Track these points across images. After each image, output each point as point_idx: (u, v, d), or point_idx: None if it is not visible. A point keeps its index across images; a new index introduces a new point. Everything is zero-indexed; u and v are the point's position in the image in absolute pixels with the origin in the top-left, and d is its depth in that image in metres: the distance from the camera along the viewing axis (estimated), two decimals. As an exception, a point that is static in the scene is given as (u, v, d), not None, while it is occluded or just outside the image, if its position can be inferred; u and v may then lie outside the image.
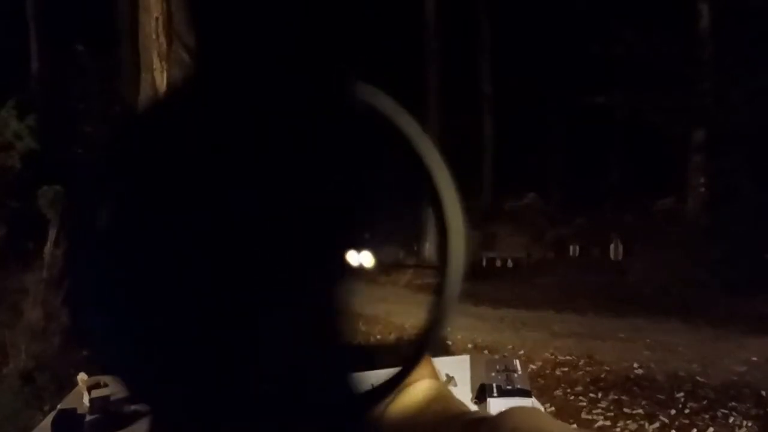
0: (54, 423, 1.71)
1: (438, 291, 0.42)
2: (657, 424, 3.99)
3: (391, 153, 0.44)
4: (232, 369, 0.36)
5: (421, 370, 0.54)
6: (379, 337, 6.10)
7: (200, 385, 0.35)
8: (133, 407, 1.92)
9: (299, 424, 0.38)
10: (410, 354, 0.42)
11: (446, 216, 0.42)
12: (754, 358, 5.17)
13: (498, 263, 10.46)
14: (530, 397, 1.88)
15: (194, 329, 0.35)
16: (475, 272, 8.91)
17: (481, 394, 1.90)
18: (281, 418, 0.37)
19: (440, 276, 0.43)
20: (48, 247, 5.00)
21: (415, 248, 9.69)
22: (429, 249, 10.43)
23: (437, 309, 0.42)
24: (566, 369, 5.10)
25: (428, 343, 0.42)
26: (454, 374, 1.97)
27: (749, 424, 3.95)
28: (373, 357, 0.45)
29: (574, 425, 2.28)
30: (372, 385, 0.41)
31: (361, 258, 0.42)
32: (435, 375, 0.60)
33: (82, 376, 1.94)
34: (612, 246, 9.90)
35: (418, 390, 0.55)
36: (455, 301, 0.42)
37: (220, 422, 0.35)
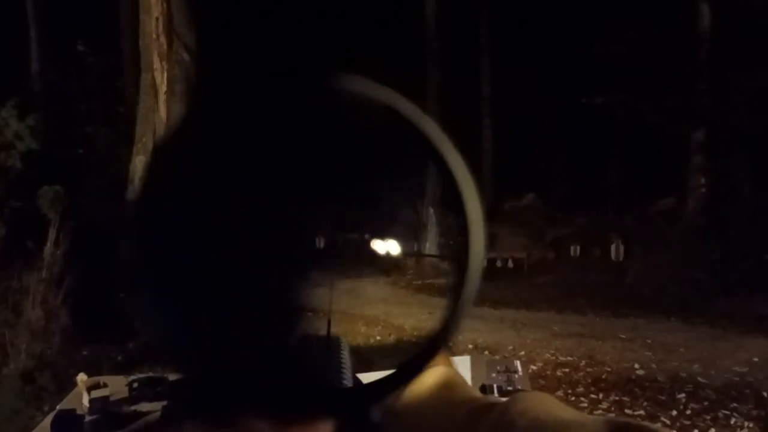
0: (53, 423, 1.70)
1: (454, 290, 0.43)
2: (658, 425, 3.99)
3: (404, 154, 0.44)
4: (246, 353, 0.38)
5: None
6: (378, 338, 6.10)
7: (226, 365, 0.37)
8: (133, 407, 1.92)
9: (307, 411, 0.39)
10: (423, 351, 0.43)
11: (467, 215, 0.42)
12: (755, 359, 5.17)
13: (498, 263, 10.46)
14: (537, 391, 1.89)
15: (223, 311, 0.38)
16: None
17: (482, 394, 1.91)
18: (288, 404, 0.38)
19: (458, 275, 0.43)
20: (48, 247, 5.00)
21: (415, 246, 9.69)
22: (429, 247, 10.43)
23: (453, 308, 0.42)
24: (567, 370, 5.10)
25: (442, 341, 0.43)
26: (454, 375, 1.97)
27: (751, 425, 3.95)
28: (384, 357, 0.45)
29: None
30: (380, 378, 0.42)
31: (388, 246, 0.42)
32: (449, 362, 0.60)
33: (81, 377, 1.94)
34: (613, 246, 9.90)
35: (428, 376, 0.56)
36: (472, 301, 0.43)
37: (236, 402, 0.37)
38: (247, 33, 0.38)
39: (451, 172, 0.41)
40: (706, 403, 4.30)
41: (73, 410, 1.80)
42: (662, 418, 4.07)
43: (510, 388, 1.93)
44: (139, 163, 6.25)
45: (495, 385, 1.95)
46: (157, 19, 5.92)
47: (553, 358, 5.40)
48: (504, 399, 0.47)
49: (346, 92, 0.39)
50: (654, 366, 5.11)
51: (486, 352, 5.39)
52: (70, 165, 6.64)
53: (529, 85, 13.11)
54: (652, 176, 10.72)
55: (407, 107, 0.41)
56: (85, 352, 4.88)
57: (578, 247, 10.66)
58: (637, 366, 5.10)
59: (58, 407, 1.87)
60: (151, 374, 1.98)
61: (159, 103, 6.12)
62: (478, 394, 0.54)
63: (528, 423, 0.42)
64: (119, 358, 4.88)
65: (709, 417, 4.08)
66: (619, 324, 6.60)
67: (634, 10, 9.22)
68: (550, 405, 0.44)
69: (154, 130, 6.16)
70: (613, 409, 4.25)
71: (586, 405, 4.33)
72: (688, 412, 4.18)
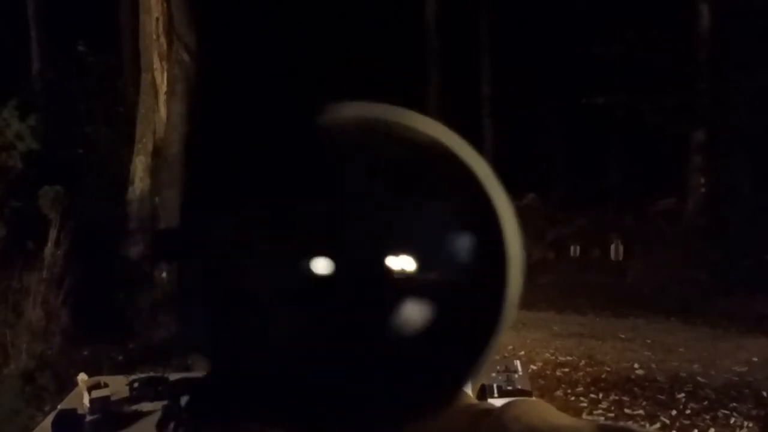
0: (54, 423, 1.70)
1: (488, 309, 0.42)
2: (658, 425, 3.99)
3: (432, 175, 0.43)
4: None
5: None
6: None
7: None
8: (133, 407, 1.92)
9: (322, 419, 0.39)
10: (465, 370, 0.42)
11: (504, 238, 0.42)
12: (755, 359, 5.17)
13: (498, 263, 10.42)
14: (531, 398, 1.88)
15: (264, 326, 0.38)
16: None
17: (482, 394, 1.90)
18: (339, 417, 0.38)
19: (493, 294, 0.42)
20: (48, 247, 5.00)
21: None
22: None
23: (494, 322, 0.42)
24: (567, 369, 5.10)
25: (486, 355, 0.43)
26: (454, 375, 1.96)
27: (750, 425, 3.95)
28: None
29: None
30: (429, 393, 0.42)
31: (402, 262, 0.42)
32: None
33: (82, 377, 1.94)
34: (612, 246, 9.89)
35: None
36: (513, 315, 0.42)
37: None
38: (247, 33, 0.38)
39: (498, 221, 0.41)
40: (705, 403, 4.30)
41: (74, 410, 1.80)
42: (662, 418, 4.07)
43: (510, 388, 1.93)
44: (139, 163, 6.25)
45: (495, 385, 1.95)
46: (157, 19, 5.92)
47: (553, 358, 5.40)
48: (499, 405, 0.48)
49: (395, 125, 0.38)
50: (654, 366, 5.11)
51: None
52: (70, 165, 6.64)
53: (529, 85, 13.09)
54: (652, 176, 10.70)
55: (462, 147, 0.40)
56: (85, 352, 4.88)
57: (578, 247, 10.64)
58: (636, 366, 5.10)
59: (58, 407, 1.87)
60: (151, 374, 1.98)
61: (159, 103, 6.12)
62: (472, 399, 0.55)
63: (522, 429, 0.42)
64: (119, 358, 4.88)
65: (708, 417, 4.08)
66: (619, 324, 6.60)
67: (634, 10, 9.20)
68: (544, 411, 0.44)
69: (154, 130, 6.16)
70: (612, 408, 4.25)
71: (585, 405, 4.33)
72: (688, 411, 4.18)
